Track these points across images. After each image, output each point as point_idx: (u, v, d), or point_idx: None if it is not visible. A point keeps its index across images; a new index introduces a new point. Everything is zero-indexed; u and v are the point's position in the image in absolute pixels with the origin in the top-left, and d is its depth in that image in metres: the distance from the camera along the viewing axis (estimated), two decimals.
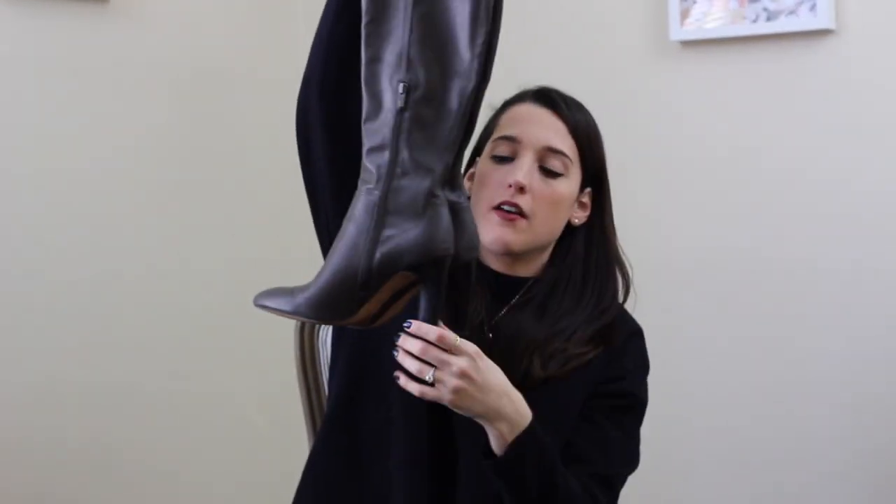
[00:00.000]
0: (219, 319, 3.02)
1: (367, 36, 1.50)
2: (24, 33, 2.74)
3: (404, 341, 1.53)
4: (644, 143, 2.83)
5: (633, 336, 1.84)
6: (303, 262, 3.21)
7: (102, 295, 2.84)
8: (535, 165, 1.77)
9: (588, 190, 1.84)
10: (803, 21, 2.62)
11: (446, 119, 1.49)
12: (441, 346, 1.53)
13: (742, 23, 2.67)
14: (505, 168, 1.77)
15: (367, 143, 1.51)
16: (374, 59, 1.50)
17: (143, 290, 2.92)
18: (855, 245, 2.62)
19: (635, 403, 1.80)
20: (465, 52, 1.49)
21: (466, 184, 1.83)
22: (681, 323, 2.78)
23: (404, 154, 1.49)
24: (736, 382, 2.74)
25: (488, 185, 1.77)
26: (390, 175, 1.50)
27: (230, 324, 3.02)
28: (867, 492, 2.62)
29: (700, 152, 2.78)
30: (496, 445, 1.61)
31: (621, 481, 1.77)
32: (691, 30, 2.73)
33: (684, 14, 2.73)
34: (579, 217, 1.83)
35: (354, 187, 1.54)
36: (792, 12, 2.62)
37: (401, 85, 1.49)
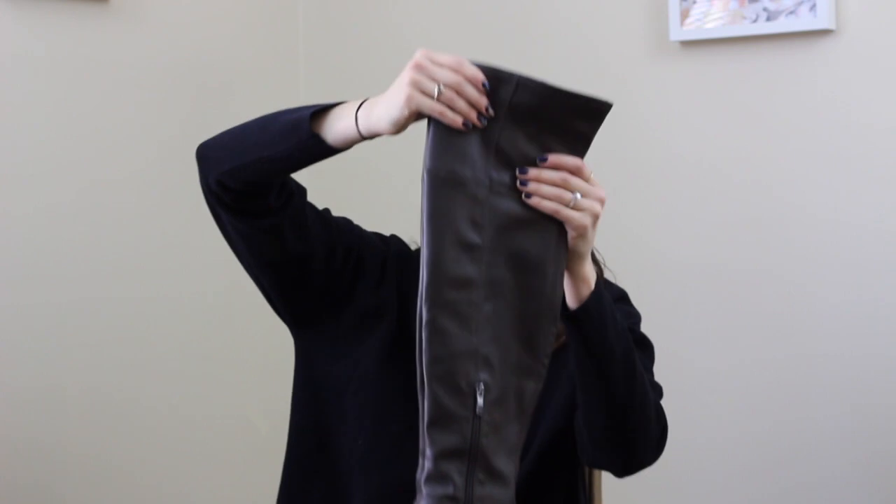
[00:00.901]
0: (221, 323, 3.02)
1: (432, 330, 1.48)
2: (24, 33, 2.74)
3: (541, 173, 1.52)
4: (644, 142, 2.83)
5: (617, 301, 1.82)
6: None
7: (102, 296, 2.84)
8: None
9: None
10: (803, 21, 2.61)
11: (515, 421, 1.51)
12: (581, 176, 1.54)
13: (742, 23, 2.67)
14: None
15: (433, 446, 1.48)
16: (440, 359, 1.48)
17: (143, 291, 2.92)
18: (855, 245, 2.62)
19: (640, 340, 1.79)
20: (534, 352, 1.51)
21: None
22: (681, 322, 2.78)
23: (483, 461, 1.49)
24: (736, 384, 2.74)
25: None
26: (471, 483, 1.49)
27: (233, 328, 3.02)
28: (868, 493, 2.62)
29: (700, 152, 2.77)
30: (576, 298, 1.60)
31: (658, 392, 1.75)
32: (691, 30, 2.73)
33: (684, 14, 2.73)
34: None
35: None
36: (792, 12, 2.62)
37: (480, 384, 1.49)
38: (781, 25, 2.64)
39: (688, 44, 2.76)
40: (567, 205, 1.53)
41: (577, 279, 1.60)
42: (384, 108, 1.52)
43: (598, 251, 1.85)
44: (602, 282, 1.69)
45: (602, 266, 1.86)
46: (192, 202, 3.01)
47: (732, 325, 2.73)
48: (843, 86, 2.63)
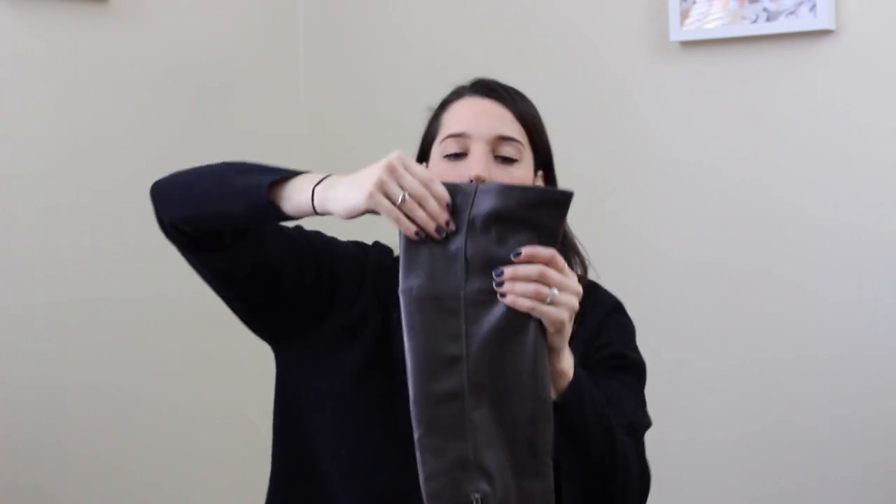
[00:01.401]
0: (221, 323, 3.00)
1: (423, 448, 1.51)
2: (24, 33, 2.73)
3: (516, 269, 1.52)
4: (644, 142, 2.83)
5: (611, 312, 1.82)
6: None
7: (102, 295, 2.84)
8: (490, 156, 1.75)
9: (540, 173, 1.83)
10: (803, 21, 2.61)
11: None
12: (555, 267, 1.53)
13: (742, 23, 2.67)
14: (459, 164, 1.75)
15: None
16: (434, 475, 1.51)
17: (143, 291, 2.92)
18: (855, 245, 2.62)
19: (631, 363, 1.80)
20: (535, 453, 1.53)
21: None
22: (681, 322, 2.78)
23: None
24: (736, 384, 2.74)
25: None
26: None
27: (233, 328, 3.01)
28: (868, 493, 2.62)
29: (700, 152, 2.77)
30: (555, 391, 1.60)
31: (643, 430, 1.76)
32: (691, 30, 2.73)
33: (684, 14, 2.73)
34: None
35: None
36: (792, 13, 2.62)
37: (476, 496, 1.51)
38: (781, 26, 2.63)
39: (688, 44, 2.76)
40: (544, 301, 1.53)
41: (554, 373, 1.59)
42: (343, 193, 1.54)
43: (582, 246, 1.85)
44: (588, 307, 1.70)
45: (587, 265, 1.86)
46: None
47: (732, 325, 2.73)
48: (843, 86, 2.62)
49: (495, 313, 1.52)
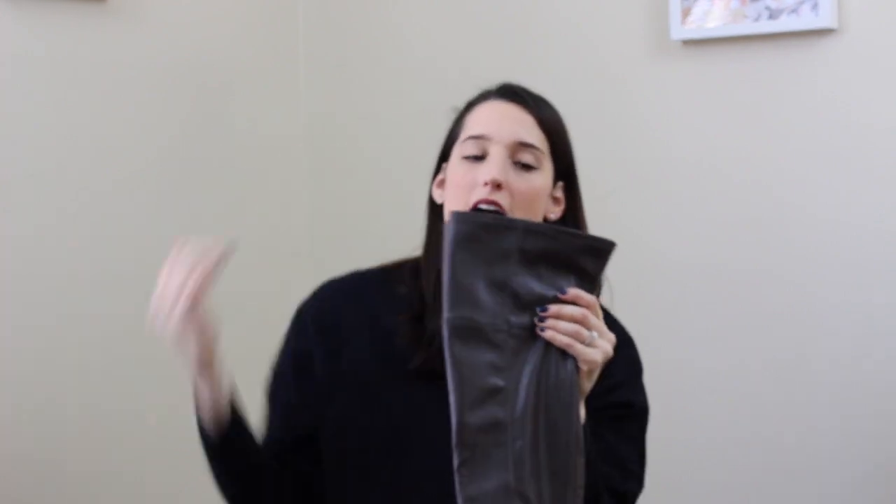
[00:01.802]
0: (222, 323, 3.01)
1: (462, 477, 1.55)
2: (23, 33, 2.73)
3: (561, 309, 1.58)
4: (644, 142, 2.82)
5: (621, 346, 1.82)
6: (305, 261, 3.22)
7: (102, 296, 2.84)
8: (508, 161, 1.75)
9: (560, 184, 1.82)
10: (805, 20, 2.61)
11: None
12: (594, 314, 1.60)
13: (743, 22, 2.67)
14: (477, 167, 1.75)
15: None
16: (472, 498, 1.55)
17: (143, 292, 2.91)
18: (855, 245, 2.61)
19: (636, 412, 1.81)
20: (568, 484, 1.57)
21: (436, 192, 1.82)
22: (681, 322, 2.78)
23: None
24: (736, 384, 2.73)
25: (462, 187, 1.75)
26: None
27: (233, 329, 3.01)
28: (868, 493, 2.61)
29: (700, 152, 2.77)
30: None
31: (631, 499, 1.78)
32: (692, 29, 2.72)
33: (685, 13, 2.72)
34: (554, 212, 1.81)
35: None
36: (794, 11, 2.62)
37: None
38: (783, 24, 2.63)
39: (689, 43, 2.76)
40: (583, 341, 1.58)
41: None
42: (192, 384, 1.75)
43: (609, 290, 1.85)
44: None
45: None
46: (191, 202, 3.02)
47: (732, 325, 2.73)
48: (844, 85, 2.62)
49: (537, 349, 1.58)
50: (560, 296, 1.58)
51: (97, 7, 2.83)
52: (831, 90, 2.63)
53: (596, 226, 2.81)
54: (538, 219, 1.77)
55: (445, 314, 1.56)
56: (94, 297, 2.82)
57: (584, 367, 1.59)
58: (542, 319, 1.57)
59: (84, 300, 2.81)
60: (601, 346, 1.60)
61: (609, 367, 1.76)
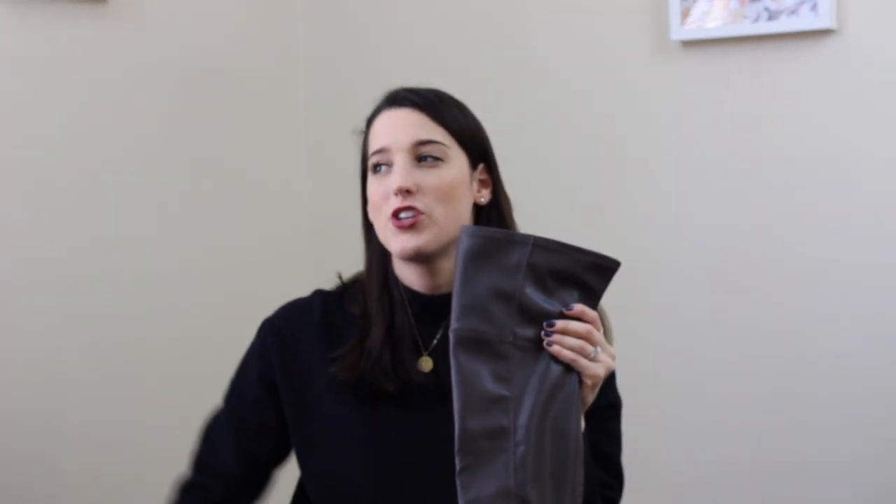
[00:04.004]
0: (221, 324, 3.01)
1: (463, 481, 1.58)
2: (23, 33, 2.73)
3: (567, 324, 1.62)
4: (644, 142, 2.83)
5: (606, 408, 1.86)
6: (305, 260, 3.22)
7: (102, 296, 2.84)
8: (412, 163, 1.76)
9: (482, 166, 1.82)
10: (804, 21, 2.61)
11: None
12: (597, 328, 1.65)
13: (743, 22, 2.67)
14: (388, 178, 1.77)
15: None
16: (473, 500, 1.58)
17: (142, 291, 2.92)
18: (857, 245, 2.62)
19: (617, 411, 1.86)
20: (569, 492, 1.60)
21: (369, 211, 1.84)
22: (681, 323, 2.77)
23: None
24: (736, 385, 2.73)
25: (377, 201, 1.78)
26: None
27: (233, 329, 3.01)
28: (869, 493, 2.61)
29: (701, 152, 2.77)
30: None
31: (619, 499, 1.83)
32: (692, 29, 2.72)
33: (685, 13, 2.72)
34: (484, 195, 1.82)
35: None
36: (793, 12, 2.62)
37: None
38: (782, 25, 2.63)
39: (688, 43, 2.76)
40: (587, 356, 1.63)
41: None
42: None
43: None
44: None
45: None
46: (191, 202, 3.02)
47: (732, 326, 2.73)
48: (843, 86, 2.62)
49: (541, 362, 1.62)
50: (565, 311, 1.62)
51: (97, 7, 2.83)
52: (830, 90, 2.64)
53: (596, 225, 2.83)
54: (467, 208, 1.79)
55: (453, 325, 1.60)
56: (94, 297, 2.82)
57: (588, 382, 1.64)
58: (548, 334, 1.62)
59: (84, 300, 2.81)
60: (604, 361, 1.65)
61: None
